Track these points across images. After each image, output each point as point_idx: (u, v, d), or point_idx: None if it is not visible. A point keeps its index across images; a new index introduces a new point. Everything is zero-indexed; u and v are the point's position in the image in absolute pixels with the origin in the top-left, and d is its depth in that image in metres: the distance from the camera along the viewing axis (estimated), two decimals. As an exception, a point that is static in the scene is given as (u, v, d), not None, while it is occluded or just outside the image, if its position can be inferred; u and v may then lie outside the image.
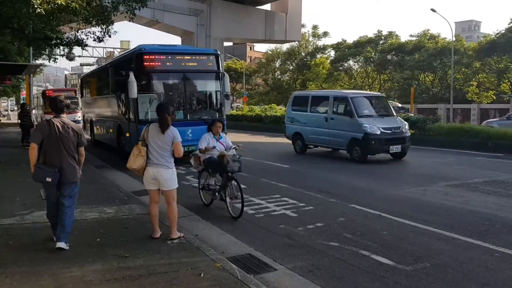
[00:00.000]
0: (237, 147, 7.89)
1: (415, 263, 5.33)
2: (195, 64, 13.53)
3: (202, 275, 4.66)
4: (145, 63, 12.68)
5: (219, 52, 14.13)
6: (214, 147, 7.55)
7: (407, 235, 6.44)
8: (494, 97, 44.28)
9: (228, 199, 7.49)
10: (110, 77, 16.22)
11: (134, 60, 12.87)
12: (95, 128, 19.65)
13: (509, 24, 41.26)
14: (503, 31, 40.34)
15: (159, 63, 12.92)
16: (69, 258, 5.15)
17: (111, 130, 16.09)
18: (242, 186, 7.51)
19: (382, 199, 8.61)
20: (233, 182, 7.38)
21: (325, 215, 7.50)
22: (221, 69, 13.82)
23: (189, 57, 13.60)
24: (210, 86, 13.71)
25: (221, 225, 6.97)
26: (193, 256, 5.25)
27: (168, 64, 13.08)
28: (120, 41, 65.72)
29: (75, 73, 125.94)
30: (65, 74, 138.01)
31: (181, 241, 5.79)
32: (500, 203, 8.26)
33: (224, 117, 13.29)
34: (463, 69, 45.34)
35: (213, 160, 7.62)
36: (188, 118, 12.87)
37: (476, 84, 45.99)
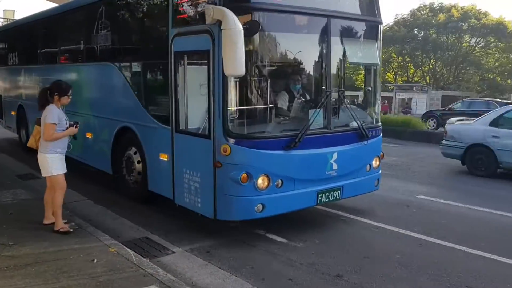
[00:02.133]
0: None
1: (305, 241, 5.67)
2: (347, 2, 6.22)
3: (95, 261, 4.51)
4: None
5: None
6: None
7: (302, 215, 6.78)
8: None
9: None
10: (101, 24, 7.70)
11: None
12: (30, 122, 10.48)
13: (394, 19, 44.67)
14: (390, 25, 43.61)
15: None
16: None
17: (89, 135, 8.09)
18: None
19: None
20: None
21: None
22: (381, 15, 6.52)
23: None
24: (367, 52, 6.55)
25: (116, 210, 6.75)
26: (86, 242, 5.05)
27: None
28: (4, 10, 59.56)
29: None
30: None
31: (73, 227, 5.52)
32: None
33: (380, 124, 6.76)
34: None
35: None
36: (331, 126, 5.79)
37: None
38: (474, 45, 33.13)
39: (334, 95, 5.92)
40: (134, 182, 7.07)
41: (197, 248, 5.37)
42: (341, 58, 6.16)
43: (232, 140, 5.06)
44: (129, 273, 4.27)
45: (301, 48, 5.83)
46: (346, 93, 6.40)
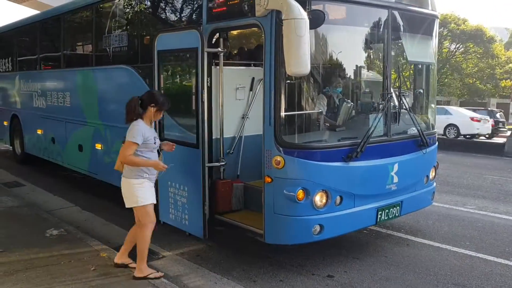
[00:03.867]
0: None
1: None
2: None
3: (87, 266, 4.51)
4: None
5: None
6: None
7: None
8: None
9: None
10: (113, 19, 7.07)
11: None
12: (26, 133, 10.31)
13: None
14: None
15: None
16: None
17: (98, 147, 7.37)
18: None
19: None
20: None
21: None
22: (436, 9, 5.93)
23: None
24: (425, 50, 6.01)
25: (105, 215, 6.73)
26: (76, 248, 5.05)
27: None
28: (-18, 17, 58.74)
29: None
30: None
31: (62, 233, 5.50)
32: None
33: (436, 131, 6.20)
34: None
35: None
36: (391, 133, 5.20)
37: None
38: (454, 50, 33.78)
39: (399, 102, 5.39)
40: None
41: (187, 252, 5.39)
42: (400, 56, 5.75)
43: (286, 151, 4.42)
44: (122, 277, 4.28)
45: (359, 44, 5.30)
46: (416, 97, 6.02)
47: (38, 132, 9.59)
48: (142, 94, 4.49)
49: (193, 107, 5.06)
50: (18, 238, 5.30)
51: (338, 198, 4.69)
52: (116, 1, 7.10)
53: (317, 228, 4.57)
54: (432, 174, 5.85)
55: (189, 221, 5.26)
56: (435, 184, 6.06)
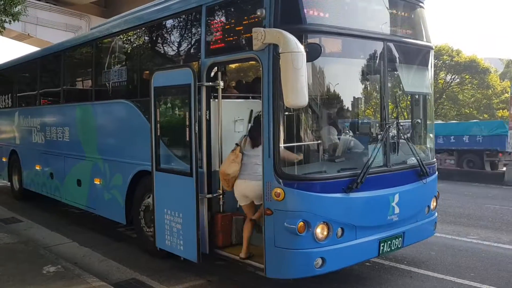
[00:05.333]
0: None
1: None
2: (401, 24, 5.57)
3: (84, 303, 4.42)
4: (308, 10, 4.52)
5: None
6: None
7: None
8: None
9: None
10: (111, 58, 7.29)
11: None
12: (24, 168, 10.20)
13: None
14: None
15: (336, 15, 4.83)
16: None
17: (97, 181, 7.37)
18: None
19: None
20: None
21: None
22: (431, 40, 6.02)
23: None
24: (421, 81, 6.06)
25: (103, 251, 6.63)
26: (73, 285, 4.94)
27: (355, 18, 5.10)
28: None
29: None
30: None
31: (59, 269, 5.39)
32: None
33: (435, 160, 6.13)
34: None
35: None
36: (390, 164, 5.18)
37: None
38: (450, 81, 34.18)
39: (396, 132, 5.40)
40: (154, 235, 6.02)
41: (187, 287, 5.29)
42: (397, 87, 5.84)
43: (286, 183, 4.41)
44: (119, 314, 4.18)
45: (356, 76, 5.34)
46: (414, 128, 6.11)
47: (36, 168, 9.57)
48: (249, 131, 5.10)
49: (187, 139, 5.16)
50: (14, 275, 5.18)
51: (339, 230, 4.63)
52: (115, 37, 7.25)
53: (319, 261, 4.50)
54: (433, 204, 5.82)
55: (184, 246, 5.30)
56: (436, 214, 6.01)
